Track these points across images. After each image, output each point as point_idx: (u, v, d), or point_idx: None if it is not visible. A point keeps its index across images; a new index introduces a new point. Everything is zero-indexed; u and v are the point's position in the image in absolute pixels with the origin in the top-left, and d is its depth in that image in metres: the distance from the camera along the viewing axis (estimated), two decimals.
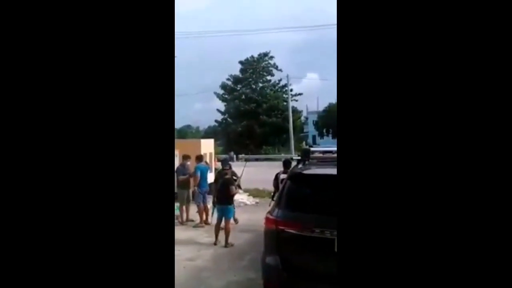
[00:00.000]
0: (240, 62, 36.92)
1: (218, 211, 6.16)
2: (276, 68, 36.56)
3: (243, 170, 7.17)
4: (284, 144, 34.20)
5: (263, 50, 36.54)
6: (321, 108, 39.00)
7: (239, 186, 7.13)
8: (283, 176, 6.09)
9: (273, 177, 6.80)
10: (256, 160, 24.67)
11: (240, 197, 9.25)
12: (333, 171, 3.71)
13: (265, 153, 30.92)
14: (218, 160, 9.96)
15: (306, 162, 4.60)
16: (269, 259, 3.36)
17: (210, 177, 7.98)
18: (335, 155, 4.56)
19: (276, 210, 3.46)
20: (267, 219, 3.48)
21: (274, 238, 3.35)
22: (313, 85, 66.03)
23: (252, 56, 36.85)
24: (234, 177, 6.84)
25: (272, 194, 7.16)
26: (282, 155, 23.62)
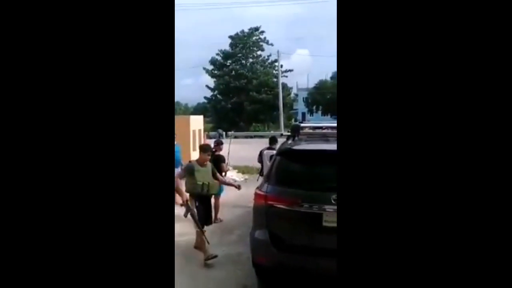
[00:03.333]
0: (230, 37, 36.18)
1: None
2: (267, 43, 35.99)
3: (229, 147, 7.16)
4: (274, 121, 34.16)
5: (254, 25, 35.93)
6: (311, 85, 38.83)
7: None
8: (267, 152, 6.12)
9: None
10: (246, 137, 24.65)
11: (229, 174, 9.28)
12: (322, 146, 3.75)
13: (255, 130, 30.91)
14: (208, 137, 9.92)
15: (296, 138, 4.60)
16: (258, 234, 3.40)
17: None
18: (325, 131, 4.57)
19: (266, 185, 3.47)
20: (256, 194, 3.50)
21: (263, 213, 3.38)
22: (303, 61, 65.37)
23: (243, 31, 36.13)
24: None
25: (259, 170, 7.22)
26: (272, 132, 23.63)
